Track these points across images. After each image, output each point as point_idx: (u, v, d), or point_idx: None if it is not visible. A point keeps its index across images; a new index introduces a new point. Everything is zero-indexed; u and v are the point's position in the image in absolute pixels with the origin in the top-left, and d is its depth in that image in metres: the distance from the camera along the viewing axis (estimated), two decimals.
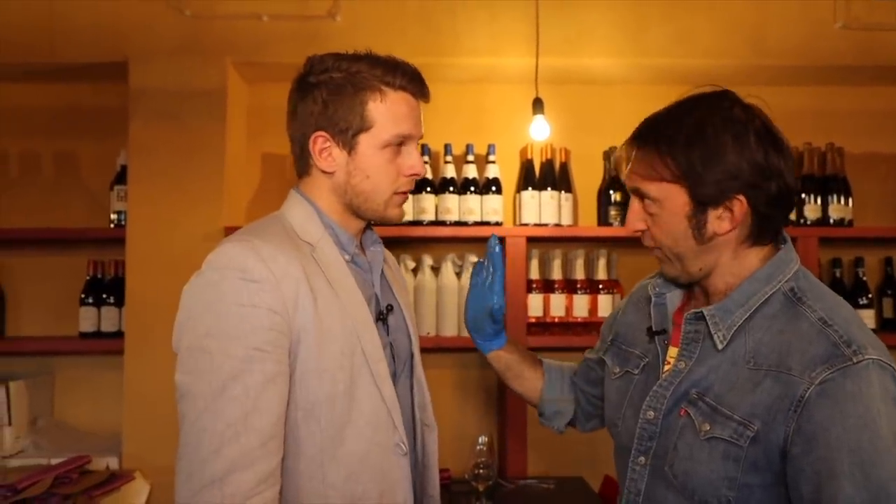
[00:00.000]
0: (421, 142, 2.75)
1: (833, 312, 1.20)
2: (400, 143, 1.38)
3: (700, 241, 1.25)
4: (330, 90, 1.35)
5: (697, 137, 1.21)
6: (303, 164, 1.41)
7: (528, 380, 1.70)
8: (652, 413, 1.29)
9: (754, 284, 1.25)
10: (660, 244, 1.30)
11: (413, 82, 1.38)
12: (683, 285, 1.37)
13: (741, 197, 1.21)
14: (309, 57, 1.39)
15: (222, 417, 1.19)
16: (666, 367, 1.31)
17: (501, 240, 1.51)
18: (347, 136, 1.35)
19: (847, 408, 1.11)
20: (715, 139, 1.20)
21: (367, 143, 1.36)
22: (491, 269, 1.60)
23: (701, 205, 1.22)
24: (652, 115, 1.29)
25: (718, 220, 1.23)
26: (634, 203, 1.31)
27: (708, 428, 1.21)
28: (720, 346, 1.24)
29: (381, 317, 1.42)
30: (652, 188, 1.25)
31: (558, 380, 1.70)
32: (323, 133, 1.36)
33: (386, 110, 1.35)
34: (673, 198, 1.24)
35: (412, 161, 1.40)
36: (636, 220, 1.30)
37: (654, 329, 1.36)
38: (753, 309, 1.23)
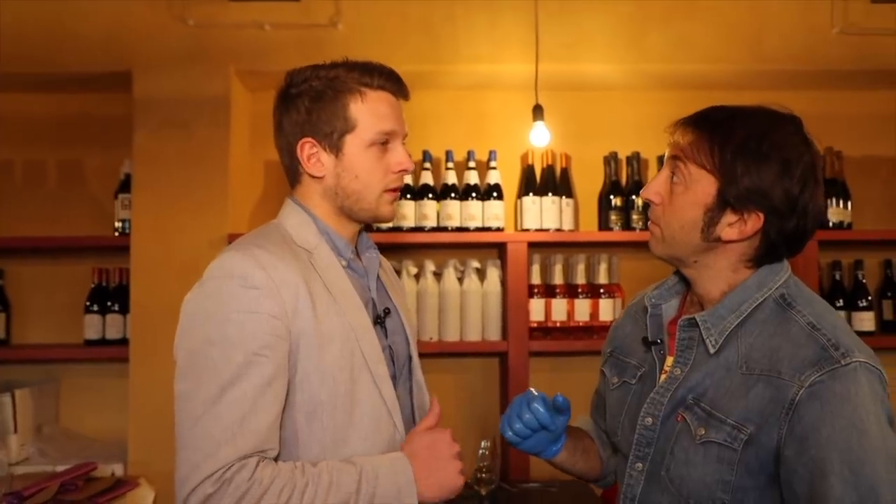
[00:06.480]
0: (423, 148, 2.82)
1: (821, 318, 1.23)
2: (385, 140, 1.41)
3: (704, 239, 1.27)
4: (311, 97, 1.39)
5: (751, 144, 1.23)
6: (293, 173, 1.45)
7: (589, 450, 1.56)
8: (650, 419, 1.31)
9: (746, 291, 1.27)
10: (664, 224, 1.31)
11: (391, 81, 1.42)
12: (676, 293, 1.40)
13: (760, 213, 1.23)
14: (288, 71, 1.43)
15: (220, 421, 1.22)
16: (662, 376, 1.33)
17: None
18: (333, 139, 1.39)
19: (836, 409, 1.14)
20: (765, 154, 1.22)
21: (352, 143, 1.39)
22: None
23: (723, 202, 1.24)
24: (718, 107, 1.30)
25: (729, 227, 1.25)
26: (662, 174, 1.32)
27: (703, 432, 1.23)
28: (712, 351, 1.26)
29: (379, 320, 1.45)
30: (690, 168, 1.27)
31: (601, 433, 1.58)
32: (309, 139, 1.39)
33: (367, 110, 1.39)
34: (702, 185, 1.25)
35: (399, 157, 1.43)
36: (654, 191, 1.31)
37: (649, 339, 1.38)
38: (745, 314, 1.26)
